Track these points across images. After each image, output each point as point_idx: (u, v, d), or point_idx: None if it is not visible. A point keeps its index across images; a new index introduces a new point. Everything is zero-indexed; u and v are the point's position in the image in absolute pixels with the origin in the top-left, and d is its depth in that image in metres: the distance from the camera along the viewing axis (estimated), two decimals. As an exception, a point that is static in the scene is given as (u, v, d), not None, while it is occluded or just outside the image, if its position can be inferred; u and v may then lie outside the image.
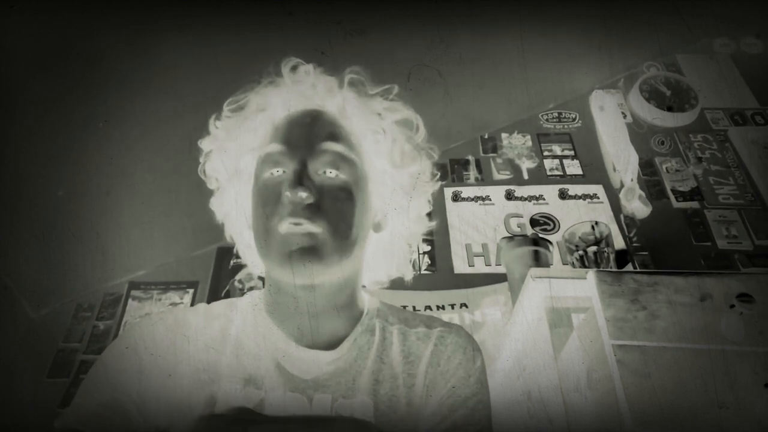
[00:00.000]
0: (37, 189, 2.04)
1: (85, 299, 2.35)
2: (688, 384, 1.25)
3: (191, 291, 2.38)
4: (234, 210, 1.09)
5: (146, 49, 1.96)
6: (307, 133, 1.00)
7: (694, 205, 2.51)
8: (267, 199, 0.97)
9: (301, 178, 0.94)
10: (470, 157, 2.68)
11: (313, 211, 0.94)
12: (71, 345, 2.26)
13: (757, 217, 2.44)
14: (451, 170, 2.64)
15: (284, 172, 0.98)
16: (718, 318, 1.33)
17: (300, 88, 1.05)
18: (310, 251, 0.93)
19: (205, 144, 1.10)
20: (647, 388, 1.25)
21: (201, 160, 1.11)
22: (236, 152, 1.07)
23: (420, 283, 2.27)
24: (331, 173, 0.98)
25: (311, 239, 0.94)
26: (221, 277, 2.35)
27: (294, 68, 1.07)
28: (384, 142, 1.06)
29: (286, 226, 0.94)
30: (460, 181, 2.62)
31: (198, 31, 1.92)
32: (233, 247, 1.13)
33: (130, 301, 2.36)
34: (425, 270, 2.35)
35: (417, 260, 2.34)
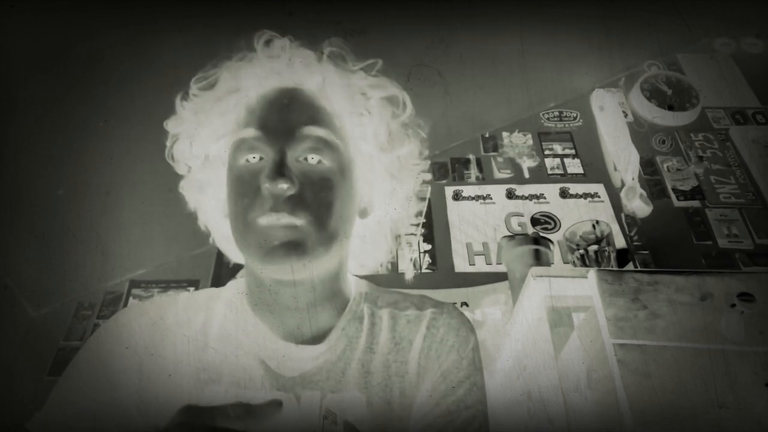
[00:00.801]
0: (37, 189, 2.04)
1: (86, 298, 2.35)
2: (689, 384, 1.25)
3: (192, 290, 2.38)
4: (208, 197, 1.02)
5: (146, 49, 1.96)
6: (286, 117, 0.93)
7: (695, 204, 2.50)
8: (245, 190, 0.91)
9: (281, 168, 0.88)
10: (471, 156, 2.68)
11: (295, 202, 0.88)
12: (72, 343, 2.26)
13: (758, 216, 2.44)
14: (452, 169, 2.64)
15: (261, 158, 0.91)
16: (718, 317, 1.33)
17: (275, 65, 0.98)
18: (294, 246, 0.88)
19: (171, 125, 1.02)
20: (647, 388, 1.25)
21: (167, 143, 1.03)
22: (207, 136, 1.00)
23: (420, 281, 2.26)
24: (313, 159, 0.92)
25: (294, 233, 0.88)
26: (222, 275, 2.35)
27: (268, 42, 0.99)
28: (369, 124, 0.99)
29: (266, 220, 0.88)
30: (461, 180, 2.62)
31: (198, 31, 1.92)
32: (210, 236, 1.07)
33: (130, 299, 2.36)
34: (426, 269, 2.35)
35: (417, 259, 2.34)
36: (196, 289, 2.37)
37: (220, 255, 2.41)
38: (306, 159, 0.92)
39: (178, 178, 1.07)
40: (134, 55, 1.97)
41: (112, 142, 1.99)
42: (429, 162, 1.09)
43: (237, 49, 1.01)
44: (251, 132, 0.92)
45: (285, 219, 0.88)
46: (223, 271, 2.36)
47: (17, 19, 1.84)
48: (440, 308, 1.03)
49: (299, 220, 0.88)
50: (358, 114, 0.99)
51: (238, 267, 1.10)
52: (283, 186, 0.87)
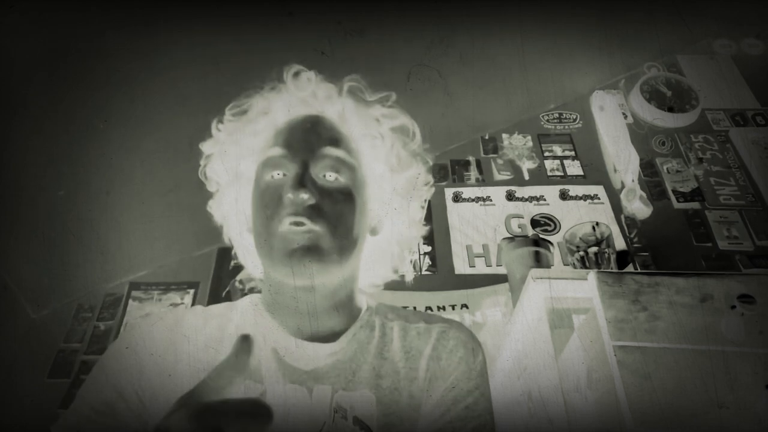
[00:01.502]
0: (37, 189, 2.04)
1: (86, 299, 2.35)
2: (689, 384, 1.25)
3: (192, 291, 2.38)
4: (233, 212, 1.11)
5: (147, 49, 1.97)
6: (308, 138, 1.03)
7: (695, 205, 2.50)
8: (268, 201, 0.99)
9: (302, 180, 0.96)
10: (471, 158, 2.68)
11: (314, 211, 0.96)
12: (72, 345, 2.26)
13: (757, 218, 2.44)
14: (452, 171, 2.64)
15: (285, 175, 1.00)
16: (718, 319, 1.33)
17: (301, 95, 1.08)
18: (311, 250, 0.95)
19: (206, 147, 1.12)
20: (647, 389, 1.25)
21: (201, 162, 1.13)
22: (237, 155, 1.09)
23: (421, 283, 2.27)
24: (331, 177, 1.00)
25: (312, 238, 0.95)
26: (222, 277, 2.35)
27: (296, 75, 1.10)
28: (382, 147, 1.09)
29: (287, 226, 0.95)
30: (461, 181, 2.62)
31: (198, 31, 1.92)
32: (233, 249, 1.15)
33: (130, 301, 2.36)
34: (426, 271, 2.35)
35: (418, 261, 2.34)
36: (196, 291, 2.37)
37: (220, 257, 2.42)
38: (325, 176, 1.00)
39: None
40: (134, 55, 1.97)
41: (112, 142, 1.99)
42: (434, 189, 1.18)
43: (268, 80, 1.11)
44: (277, 151, 1.02)
45: (304, 226, 0.95)
46: (223, 273, 2.36)
47: (17, 19, 1.85)
48: (449, 324, 1.09)
49: (317, 227, 0.96)
50: (372, 138, 1.09)
51: (238, 269, 1.14)
52: (304, 196, 0.96)
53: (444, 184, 2.60)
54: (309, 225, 0.95)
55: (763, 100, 2.80)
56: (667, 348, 1.30)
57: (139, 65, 1.97)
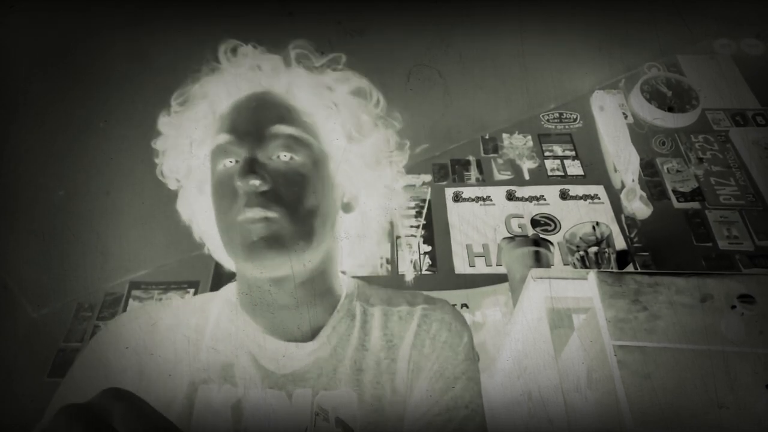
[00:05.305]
0: (37, 189, 2.04)
1: (86, 299, 2.35)
2: (689, 384, 1.25)
3: (192, 291, 2.37)
4: (198, 208, 1.05)
5: (146, 48, 1.96)
6: (255, 118, 0.95)
7: (695, 205, 2.50)
8: (223, 193, 0.93)
9: (251, 166, 0.90)
10: (471, 158, 2.68)
11: (269, 198, 0.90)
12: (72, 345, 2.26)
13: (758, 218, 2.44)
14: (452, 170, 2.64)
15: (236, 162, 0.93)
16: (718, 319, 1.33)
17: (241, 72, 1.00)
18: (272, 240, 0.89)
19: (158, 144, 1.05)
20: (647, 389, 1.25)
21: (156, 161, 1.06)
22: (186, 146, 1.02)
23: (420, 283, 2.26)
24: (285, 156, 0.94)
25: (270, 226, 0.89)
26: (222, 276, 2.35)
27: (233, 50, 1.02)
28: (338, 116, 1.01)
29: (243, 217, 0.90)
30: (461, 181, 2.62)
31: (198, 31, 1.92)
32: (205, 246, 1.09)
33: (130, 300, 2.35)
34: (426, 270, 2.35)
35: (418, 261, 2.34)
36: (196, 290, 2.37)
37: (220, 256, 2.42)
38: (278, 157, 0.94)
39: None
40: (134, 54, 1.97)
41: (112, 142, 1.99)
42: (407, 151, 1.09)
43: (205, 62, 1.03)
44: (224, 137, 0.95)
45: (260, 213, 0.89)
46: (222, 272, 2.35)
47: (17, 19, 1.85)
48: (432, 304, 1.03)
49: (273, 214, 0.90)
50: (326, 108, 1.00)
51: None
52: (255, 182, 0.89)
53: (444, 183, 2.60)
54: (264, 213, 0.89)
55: (763, 100, 2.80)
56: (667, 348, 1.30)
57: (139, 65, 1.97)
